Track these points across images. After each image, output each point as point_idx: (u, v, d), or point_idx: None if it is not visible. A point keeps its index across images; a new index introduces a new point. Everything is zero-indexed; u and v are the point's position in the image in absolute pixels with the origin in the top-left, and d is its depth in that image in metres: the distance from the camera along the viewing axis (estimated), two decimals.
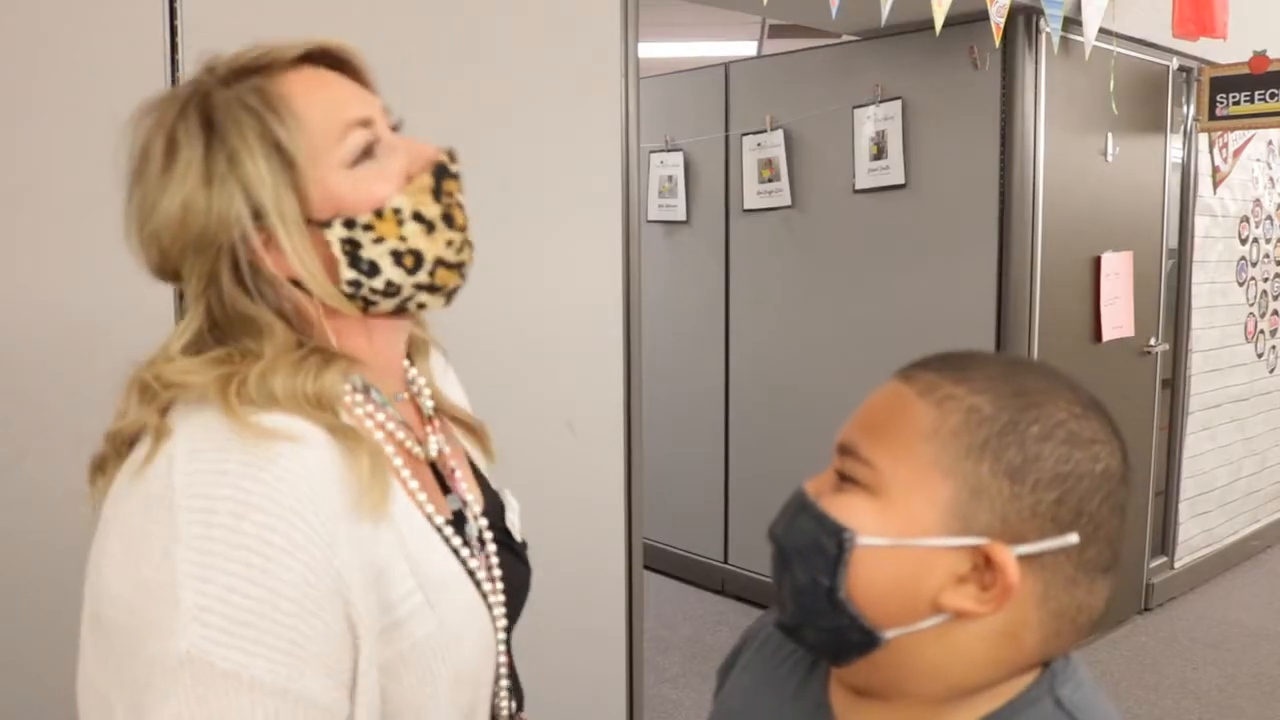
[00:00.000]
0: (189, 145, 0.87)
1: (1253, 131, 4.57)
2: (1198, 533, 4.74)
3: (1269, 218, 4.98)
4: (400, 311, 0.96)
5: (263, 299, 0.89)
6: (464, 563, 0.95)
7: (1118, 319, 4.01)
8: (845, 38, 4.04)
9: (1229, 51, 4.17)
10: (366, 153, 0.91)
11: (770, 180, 4.25)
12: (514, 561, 1.08)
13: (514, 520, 1.13)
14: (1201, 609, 4.49)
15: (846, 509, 0.76)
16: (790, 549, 0.79)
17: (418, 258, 0.92)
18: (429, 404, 1.06)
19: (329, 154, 0.89)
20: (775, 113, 4.21)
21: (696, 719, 3.53)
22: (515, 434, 2.31)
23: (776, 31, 5.99)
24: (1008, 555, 0.72)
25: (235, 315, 0.89)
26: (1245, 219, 4.82)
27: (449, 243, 0.94)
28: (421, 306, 0.96)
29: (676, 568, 4.84)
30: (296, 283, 0.90)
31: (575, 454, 2.42)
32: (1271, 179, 4.97)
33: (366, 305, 0.93)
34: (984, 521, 0.72)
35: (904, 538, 0.74)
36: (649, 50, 5.90)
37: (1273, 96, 4.03)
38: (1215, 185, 4.57)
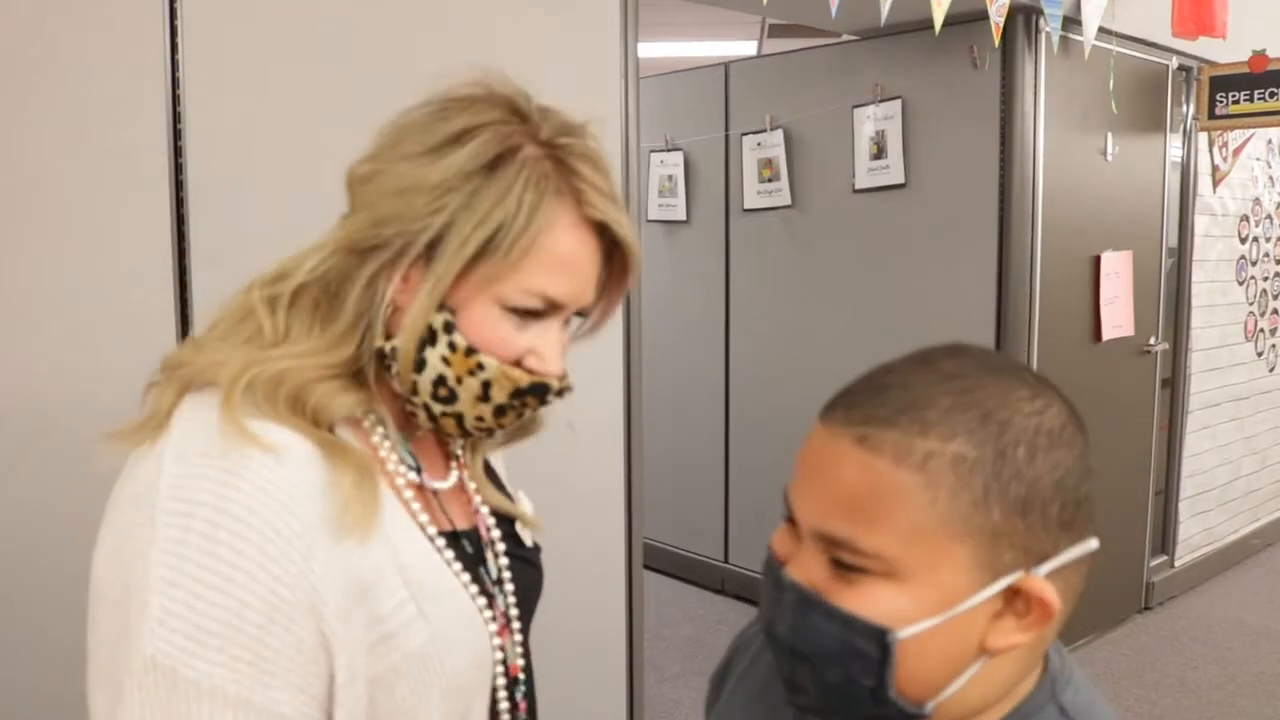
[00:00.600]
0: (466, 158, 0.88)
1: (1252, 130, 4.57)
2: (1198, 531, 4.75)
3: (1269, 217, 4.98)
4: (399, 396, 0.95)
5: (368, 302, 0.90)
6: (458, 577, 0.95)
7: (1117, 318, 4.02)
8: (845, 37, 4.04)
9: (1228, 51, 4.17)
10: (524, 313, 0.91)
11: (770, 180, 4.25)
12: (524, 567, 1.09)
13: (522, 528, 1.15)
14: (1201, 608, 4.49)
15: (871, 603, 0.71)
16: (810, 652, 0.73)
17: (451, 399, 0.92)
18: (460, 451, 1.07)
19: (507, 287, 0.89)
20: (775, 112, 4.21)
21: (697, 718, 3.53)
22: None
23: (776, 31, 5.99)
24: (1039, 583, 0.70)
25: (343, 298, 0.89)
26: (1245, 218, 4.82)
27: (480, 419, 0.94)
28: (412, 415, 0.96)
29: (677, 567, 4.84)
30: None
31: (575, 453, 2.42)
32: (1271, 178, 4.97)
33: (390, 369, 0.93)
34: (1008, 560, 0.70)
35: (943, 612, 0.70)
36: (649, 50, 5.90)
37: (1272, 95, 4.03)
38: (1215, 184, 4.57)
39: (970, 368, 0.73)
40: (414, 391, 0.92)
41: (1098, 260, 3.90)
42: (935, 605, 0.70)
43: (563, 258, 0.91)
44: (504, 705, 0.99)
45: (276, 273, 0.91)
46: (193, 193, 1.76)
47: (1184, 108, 4.36)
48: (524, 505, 1.18)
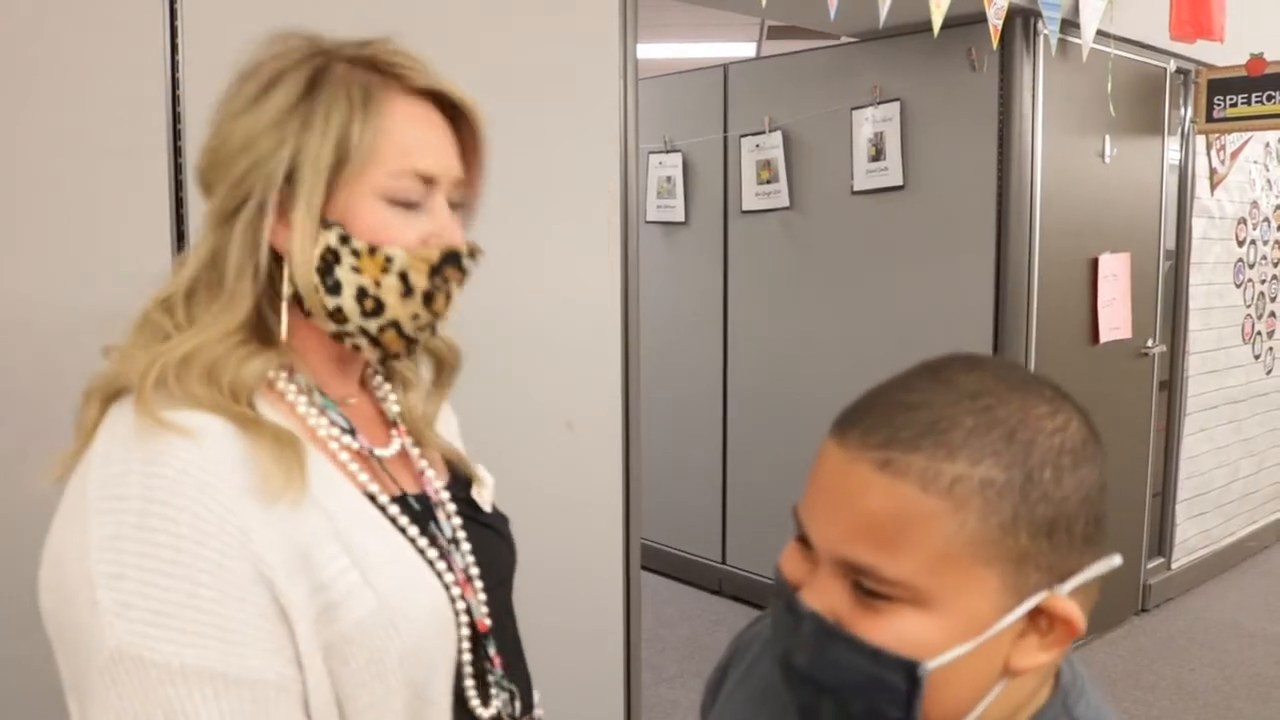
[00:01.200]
0: (286, 92, 0.91)
1: (1250, 133, 4.58)
2: (1195, 534, 4.75)
3: (1266, 219, 4.99)
4: (337, 339, 0.96)
5: (254, 257, 0.91)
6: (413, 541, 0.95)
7: (1115, 320, 4.02)
8: (844, 39, 4.05)
9: (1226, 54, 4.18)
10: (406, 203, 0.94)
11: (769, 181, 4.25)
12: (489, 537, 1.10)
13: (478, 492, 1.14)
14: (1198, 610, 4.50)
15: (898, 634, 0.69)
16: (833, 685, 0.72)
17: (379, 307, 0.93)
18: (394, 409, 1.08)
19: (377, 178, 0.92)
20: (774, 114, 4.21)
21: (694, 719, 3.54)
22: (514, 434, 2.32)
23: (775, 33, 6.00)
24: (1064, 603, 0.70)
25: (221, 266, 0.91)
26: (1242, 221, 4.82)
27: (415, 316, 0.95)
28: (356, 349, 0.97)
29: (674, 568, 4.84)
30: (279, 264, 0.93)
31: (573, 454, 2.42)
32: (1269, 181, 4.98)
33: (310, 313, 0.95)
34: (1034, 581, 0.69)
35: (971, 639, 0.68)
36: (648, 51, 5.91)
37: (1270, 99, 4.04)
38: (1213, 187, 4.58)
39: (990, 383, 0.71)
40: (343, 321, 0.94)
41: (1095, 262, 3.90)
42: (963, 632, 0.68)
43: (412, 133, 0.94)
44: (467, 657, 0.98)
45: (166, 283, 0.94)
46: (193, 193, 1.76)
47: (1182, 110, 4.36)
48: (482, 480, 1.18)
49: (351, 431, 0.97)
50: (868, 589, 0.69)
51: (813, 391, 4.19)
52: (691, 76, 4.61)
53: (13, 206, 1.64)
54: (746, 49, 6.43)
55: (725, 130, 4.42)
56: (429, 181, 0.95)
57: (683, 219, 4.64)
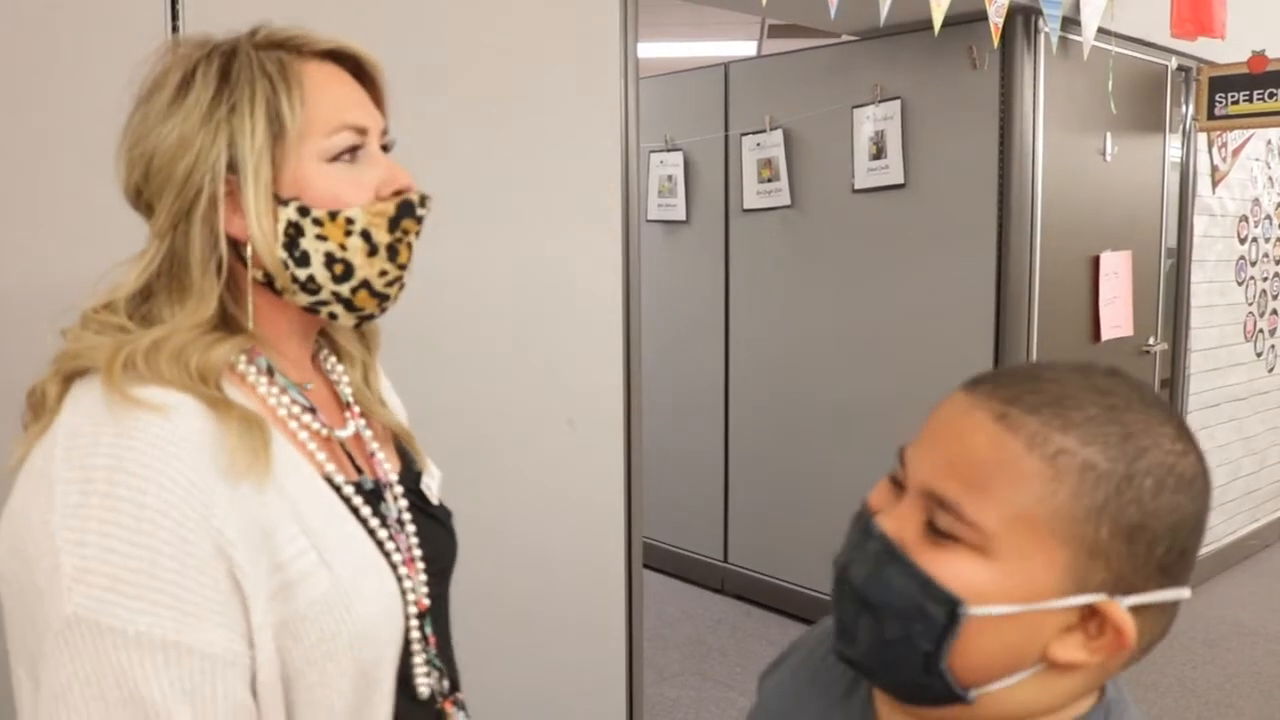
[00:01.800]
0: (203, 86, 0.92)
1: (1251, 131, 4.58)
2: None
3: (1268, 217, 4.99)
4: (312, 310, 0.99)
5: (214, 250, 0.93)
6: (365, 524, 0.98)
7: (1116, 318, 4.02)
8: (844, 38, 4.05)
9: (1227, 51, 4.18)
10: (348, 156, 0.97)
11: (770, 180, 4.25)
12: (434, 528, 1.12)
13: (429, 484, 1.16)
14: (1200, 608, 4.50)
15: (954, 572, 0.71)
16: (878, 603, 0.74)
17: (348, 270, 0.97)
18: (347, 391, 1.11)
19: (315, 142, 0.95)
20: (775, 113, 4.21)
21: (695, 718, 3.54)
22: (516, 432, 2.32)
23: (776, 31, 6.00)
24: (1122, 612, 0.70)
25: (184, 267, 0.93)
26: (1244, 218, 4.82)
27: (383, 272, 0.99)
28: (333, 317, 1.00)
29: (676, 566, 4.84)
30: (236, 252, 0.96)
31: (575, 452, 2.42)
32: (1270, 178, 4.97)
33: (282, 290, 0.97)
34: (1099, 579, 0.70)
35: (1020, 604, 0.70)
36: (648, 50, 5.91)
37: (1271, 96, 4.04)
38: (1214, 185, 4.58)
39: (1124, 390, 0.73)
40: (316, 290, 0.97)
41: (1097, 260, 3.90)
42: (1014, 594, 0.70)
43: (333, 91, 0.97)
44: (415, 635, 1.02)
45: (105, 294, 0.95)
46: None
47: (1183, 108, 4.36)
48: (430, 471, 1.20)
49: (312, 411, 1.00)
50: (940, 528, 0.72)
51: (814, 389, 4.19)
52: (692, 75, 4.61)
53: (16, 206, 1.65)
54: (747, 48, 6.43)
55: (726, 129, 4.42)
56: (362, 133, 0.98)
57: (684, 218, 4.64)
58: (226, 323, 0.95)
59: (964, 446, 0.72)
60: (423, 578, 1.04)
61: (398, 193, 0.99)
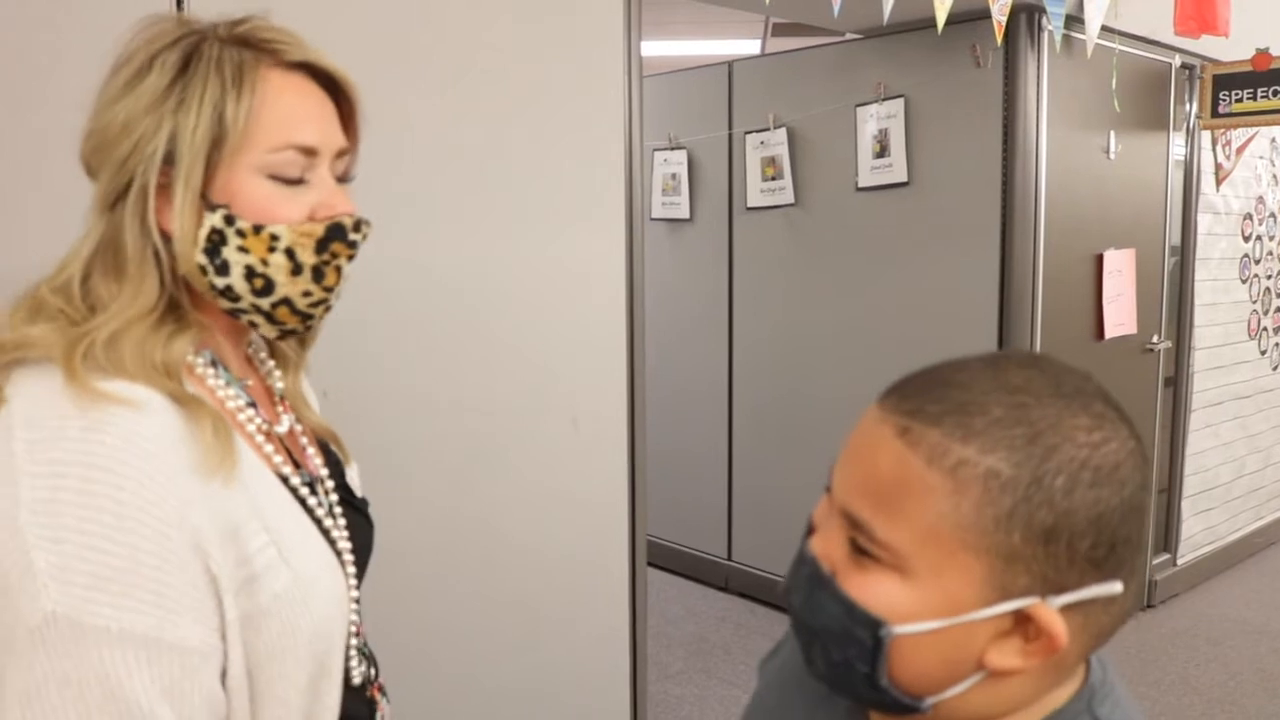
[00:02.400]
0: (159, 73, 0.91)
1: (1256, 129, 4.57)
2: (1200, 530, 4.75)
3: (1272, 215, 4.98)
4: (233, 315, 0.98)
5: (147, 238, 0.92)
6: (318, 522, 0.99)
7: (1120, 316, 4.02)
8: (848, 36, 4.05)
9: (1231, 49, 4.17)
10: (288, 178, 0.95)
11: (773, 178, 4.26)
12: (358, 519, 1.12)
13: (354, 478, 1.17)
14: (1204, 606, 4.50)
15: (874, 594, 0.71)
16: (817, 627, 0.74)
17: (268, 285, 0.95)
18: (279, 385, 1.10)
19: (256, 154, 0.93)
20: (778, 111, 4.21)
21: (699, 715, 3.54)
22: (520, 431, 2.33)
23: (780, 30, 6.00)
24: (1051, 614, 0.69)
25: (118, 250, 0.92)
26: (1248, 216, 4.82)
27: (306, 293, 0.97)
28: (254, 325, 0.99)
29: (680, 564, 4.85)
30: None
31: (579, 450, 2.43)
32: (1275, 176, 4.97)
33: (199, 292, 0.96)
34: (1023, 584, 0.68)
35: (943, 618, 0.69)
36: (652, 48, 5.91)
37: (1275, 94, 4.03)
38: (1218, 183, 4.57)
39: (1038, 383, 0.70)
40: (236, 299, 0.95)
41: (1100, 258, 3.90)
42: (937, 610, 0.69)
43: (289, 105, 0.95)
44: (354, 661, 1.04)
45: (58, 267, 0.94)
46: None
47: (1187, 106, 4.35)
48: (349, 464, 1.19)
49: (254, 407, 1.00)
50: (860, 546, 0.71)
51: (818, 388, 4.19)
52: (696, 74, 4.61)
53: (19, 207, 1.65)
54: (751, 46, 6.43)
55: (730, 127, 4.42)
56: (310, 154, 0.95)
57: (688, 216, 4.65)
58: (173, 311, 0.94)
59: (873, 465, 0.71)
60: (352, 570, 1.04)
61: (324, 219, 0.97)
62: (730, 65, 4.46)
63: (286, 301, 0.96)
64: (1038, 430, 0.68)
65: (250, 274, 0.94)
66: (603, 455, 2.48)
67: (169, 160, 0.91)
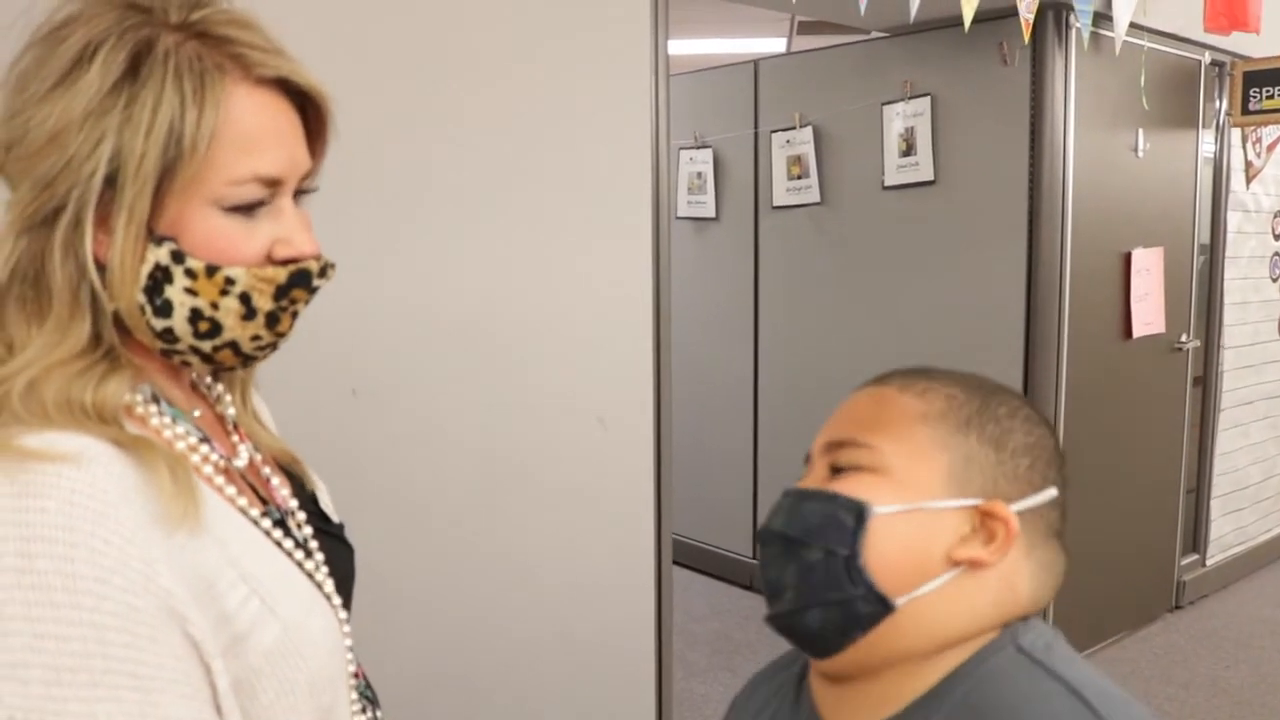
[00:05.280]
0: (101, 72, 0.76)
1: None
2: (1229, 530, 4.71)
3: None
4: (165, 354, 0.84)
5: (75, 268, 0.77)
6: (299, 564, 0.88)
7: (1148, 315, 4.00)
8: (874, 34, 4.04)
9: (1262, 45, 4.14)
10: (246, 207, 0.81)
11: (799, 177, 4.26)
12: (337, 547, 1.00)
13: (326, 501, 1.03)
14: (1233, 606, 4.47)
15: (857, 489, 0.84)
16: (797, 534, 0.85)
17: (215, 329, 0.82)
18: (231, 412, 0.96)
19: (214, 187, 0.79)
20: (804, 109, 4.21)
21: (724, 713, 3.54)
22: (546, 430, 2.34)
23: (805, 28, 5.98)
24: (1002, 507, 0.84)
25: (40, 276, 0.77)
26: (1279, 214, 4.77)
27: (255, 337, 0.84)
28: (185, 364, 0.86)
29: (705, 563, 4.86)
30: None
31: (605, 449, 2.44)
32: None
33: (132, 330, 0.82)
34: (978, 485, 0.84)
35: (914, 502, 0.83)
36: (678, 47, 5.91)
37: None
38: (1248, 180, 4.53)
39: (988, 380, 0.92)
40: (174, 341, 0.82)
41: (1128, 257, 3.88)
42: (906, 496, 0.83)
43: (254, 130, 0.80)
44: (351, 669, 0.94)
45: None
46: None
47: (1217, 103, 4.32)
48: (318, 485, 1.05)
49: (207, 442, 0.86)
50: (841, 465, 0.87)
51: (843, 386, 4.14)
52: (722, 72, 4.61)
53: None
54: (777, 44, 6.42)
55: (756, 126, 4.42)
56: (273, 185, 0.82)
57: (713, 215, 4.65)
58: (102, 351, 0.79)
59: (852, 409, 0.91)
60: (339, 602, 0.93)
61: (286, 261, 0.83)
62: (756, 64, 4.46)
63: (232, 345, 0.83)
64: (984, 384, 0.90)
65: (196, 316, 0.80)
66: (628, 454, 2.48)
67: (110, 182, 0.75)
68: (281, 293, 0.83)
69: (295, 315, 0.86)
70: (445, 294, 2.16)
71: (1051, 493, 0.87)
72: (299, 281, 0.84)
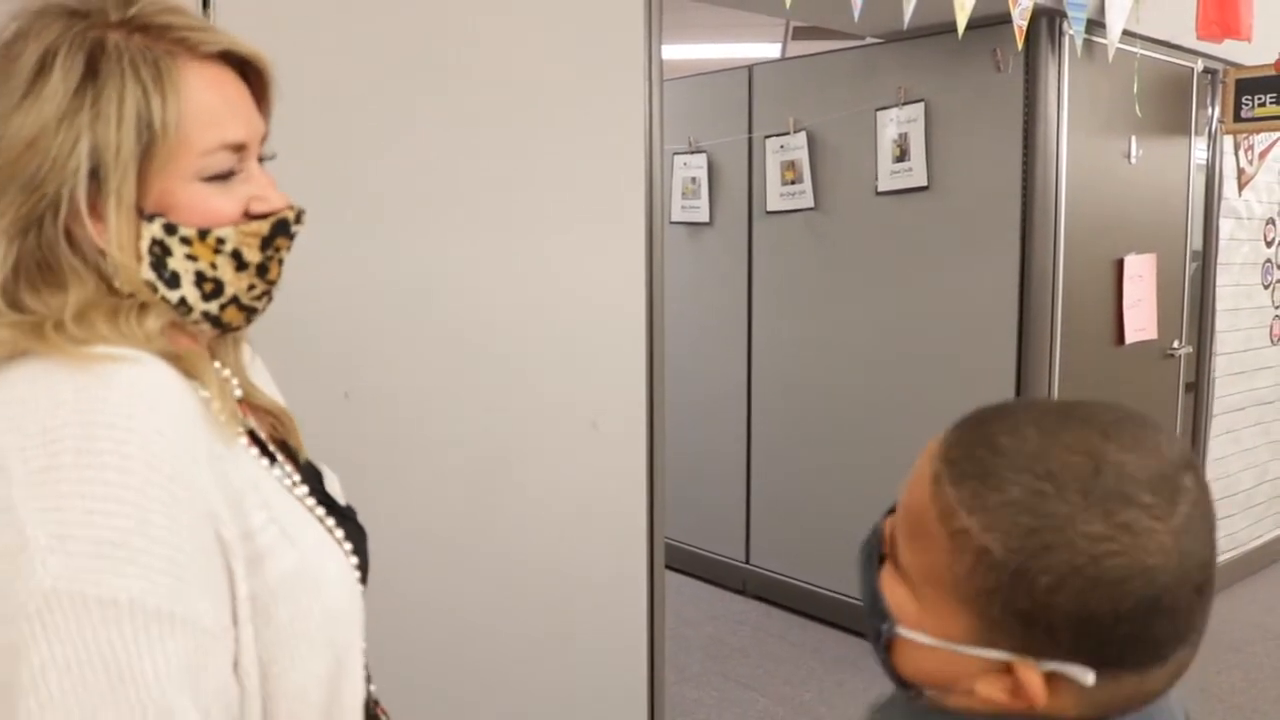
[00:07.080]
0: (62, 77, 0.81)
1: (1278, 133, 4.55)
2: (1221, 536, 4.68)
3: None
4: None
5: (80, 255, 0.84)
6: (320, 519, 0.93)
7: (1141, 321, 4.01)
8: (868, 40, 4.05)
9: (1254, 53, 4.15)
10: (220, 174, 0.88)
11: (793, 182, 4.26)
12: (351, 527, 1.03)
13: (334, 488, 1.07)
14: (1225, 612, 4.47)
15: (895, 594, 0.78)
16: (862, 585, 0.83)
17: (218, 288, 0.90)
18: (237, 392, 0.99)
19: (190, 160, 0.86)
20: (798, 115, 4.22)
21: (717, 718, 3.55)
22: (539, 434, 2.34)
23: (800, 34, 6.00)
24: (1032, 673, 0.71)
25: (50, 263, 0.83)
26: (1271, 221, 4.79)
27: (251, 286, 0.92)
28: (198, 333, 0.93)
29: (698, 567, 4.85)
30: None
31: (598, 453, 2.44)
32: None
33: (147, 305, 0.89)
34: (1005, 644, 0.72)
35: (937, 640, 0.75)
36: (672, 52, 5.92)
37: None
38: (1240, 187, 4.55)
39: (1076, 470, 0.69)
40: (188, 311, 0.89)
41: (1121, 263, 3.89)
42: (933, 631, 0.75)
43: (214, 103, 0.87)
44: (363, 643, 0.97)
45: None
46: None
47: (1209, 110, 4.34)
48: (326, 474, 1.09)
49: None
50: (894, 548, 0.80)
51: (836, 391, 4.19)
52: (716, 77, 4.62)
53: None
54: (771, 50, 6.43)
55: (750, 131, 4.43)
56: (240, 149, 0.90)
57: (707, 220, 4.65)
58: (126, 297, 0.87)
59: (911, 495, 0.77)
60: (355, 561, 0.97)
61: (264, 214, 0.92)
62: (750, 69, 4.47)
63: (235, 300, 0.91)
64: (1041, 525, 0.68)
65: (201, 279, 0.88)
66: (622, 458, 2.49)
67: (94, 175, 0.82)
68: (266, 243, 0.92)
69: (281, 262, 0.95)
70: (438, 297, 2.16)
71: (1089, 678, 0.70)
72: (280, 230, 0.93)
